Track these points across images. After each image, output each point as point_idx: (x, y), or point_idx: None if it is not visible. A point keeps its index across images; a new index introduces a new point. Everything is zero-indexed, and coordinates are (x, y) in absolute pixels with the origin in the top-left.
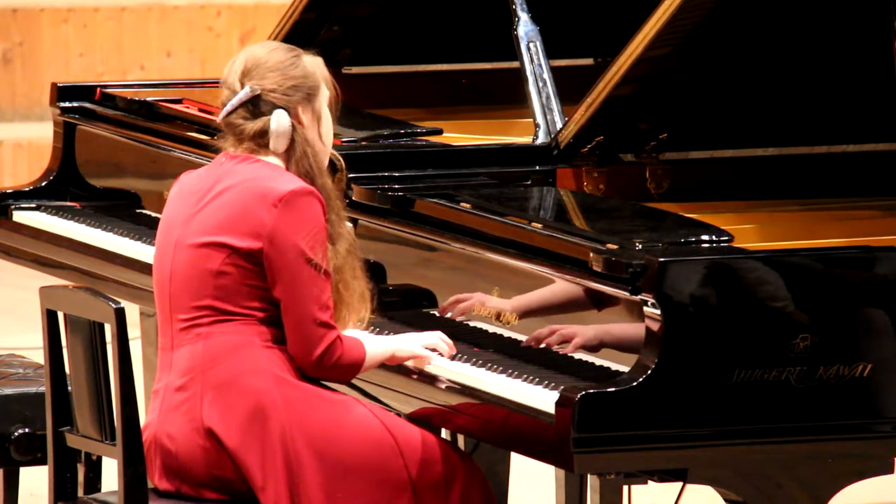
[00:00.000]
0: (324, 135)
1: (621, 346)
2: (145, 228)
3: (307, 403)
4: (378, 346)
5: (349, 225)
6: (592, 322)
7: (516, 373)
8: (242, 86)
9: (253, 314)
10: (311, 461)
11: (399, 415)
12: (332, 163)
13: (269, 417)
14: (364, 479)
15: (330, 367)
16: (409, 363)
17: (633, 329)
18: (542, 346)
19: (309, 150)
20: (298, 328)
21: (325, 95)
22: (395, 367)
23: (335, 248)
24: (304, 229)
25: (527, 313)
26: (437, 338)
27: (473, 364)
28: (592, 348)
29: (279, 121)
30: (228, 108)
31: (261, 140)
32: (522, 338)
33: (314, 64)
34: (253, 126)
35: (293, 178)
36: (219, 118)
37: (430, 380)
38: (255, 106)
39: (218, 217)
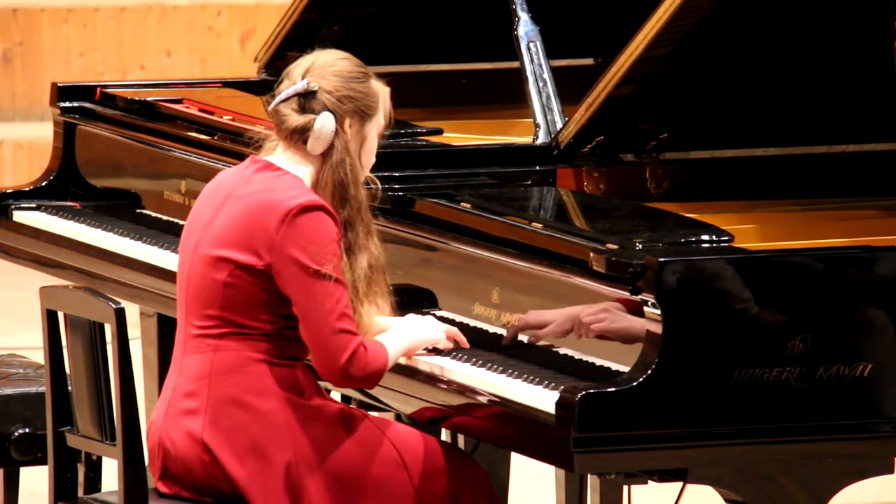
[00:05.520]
0: (364, 157)
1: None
2: (145, 228)
3: (311, 422)
4: (396, 344)
5: (377, 242)
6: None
7: (516, 372)
8: (303, 79)
9: (261, 327)
10: (315, 483)
11: (399, 417)
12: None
13: (273, 443)
14: (369, 496)
15: (358, 377)
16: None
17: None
18: (522, 338)
19: (347, 158)
20: (319, 341)
21: (378, 123)
22: (395, 367)
23: (356, 260)
24: (312, 243)
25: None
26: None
27: (474, 364)
28: (563, 332)
29: (324, 123)
30: (282, 96)
31: (299, 136)
32: (523, 338)
33: (379, 89)
34: (297, 120)
35: (306, 191)
36: (270, 106)
37: (431, 380)
38: (307, 101)
39: (226, 229)
